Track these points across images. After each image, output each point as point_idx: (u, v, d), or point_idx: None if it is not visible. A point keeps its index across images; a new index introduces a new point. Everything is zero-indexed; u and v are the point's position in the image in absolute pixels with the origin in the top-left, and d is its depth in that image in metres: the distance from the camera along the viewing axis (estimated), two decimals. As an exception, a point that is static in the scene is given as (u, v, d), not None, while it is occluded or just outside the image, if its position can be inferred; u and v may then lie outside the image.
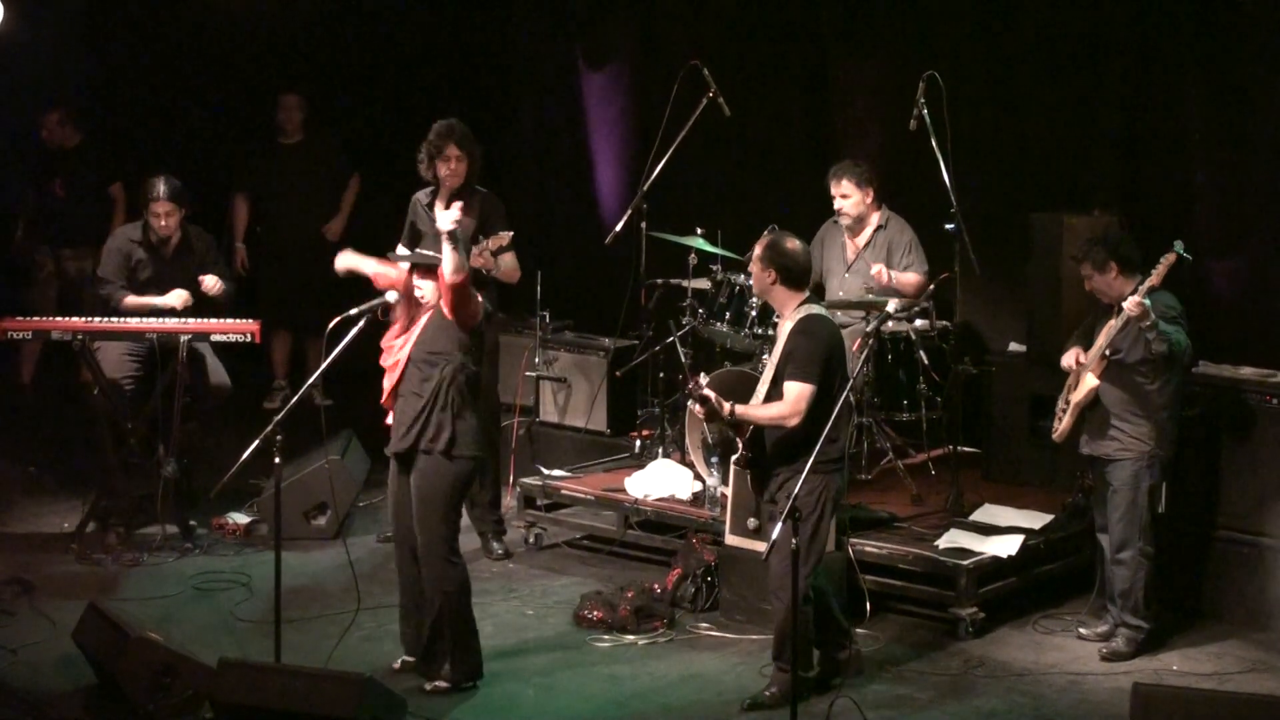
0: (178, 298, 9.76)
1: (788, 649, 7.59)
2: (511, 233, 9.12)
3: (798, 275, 7.75)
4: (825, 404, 7.53)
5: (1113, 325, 8.28)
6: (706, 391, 7.68)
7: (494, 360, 9.61)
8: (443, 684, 7.86)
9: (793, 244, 7.82)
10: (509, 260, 9.25)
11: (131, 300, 9.79)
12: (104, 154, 12.18)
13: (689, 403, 7.83)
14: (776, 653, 7.81)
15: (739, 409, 7.70)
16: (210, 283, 9.79)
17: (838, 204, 9.81)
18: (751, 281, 7.95)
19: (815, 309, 7.75)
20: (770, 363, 7.79)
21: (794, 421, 7.53)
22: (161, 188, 9.78)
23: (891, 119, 10.54)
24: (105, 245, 10.04)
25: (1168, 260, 8.09)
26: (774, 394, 7.69)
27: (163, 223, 9.79)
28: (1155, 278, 8.11)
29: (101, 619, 7.90)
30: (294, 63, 12.88)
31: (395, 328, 7.91)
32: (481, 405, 8.09)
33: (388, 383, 7.90)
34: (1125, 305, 8.09)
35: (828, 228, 10.03)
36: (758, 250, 7.81)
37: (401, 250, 9.30)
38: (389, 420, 7.95)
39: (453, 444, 7.76)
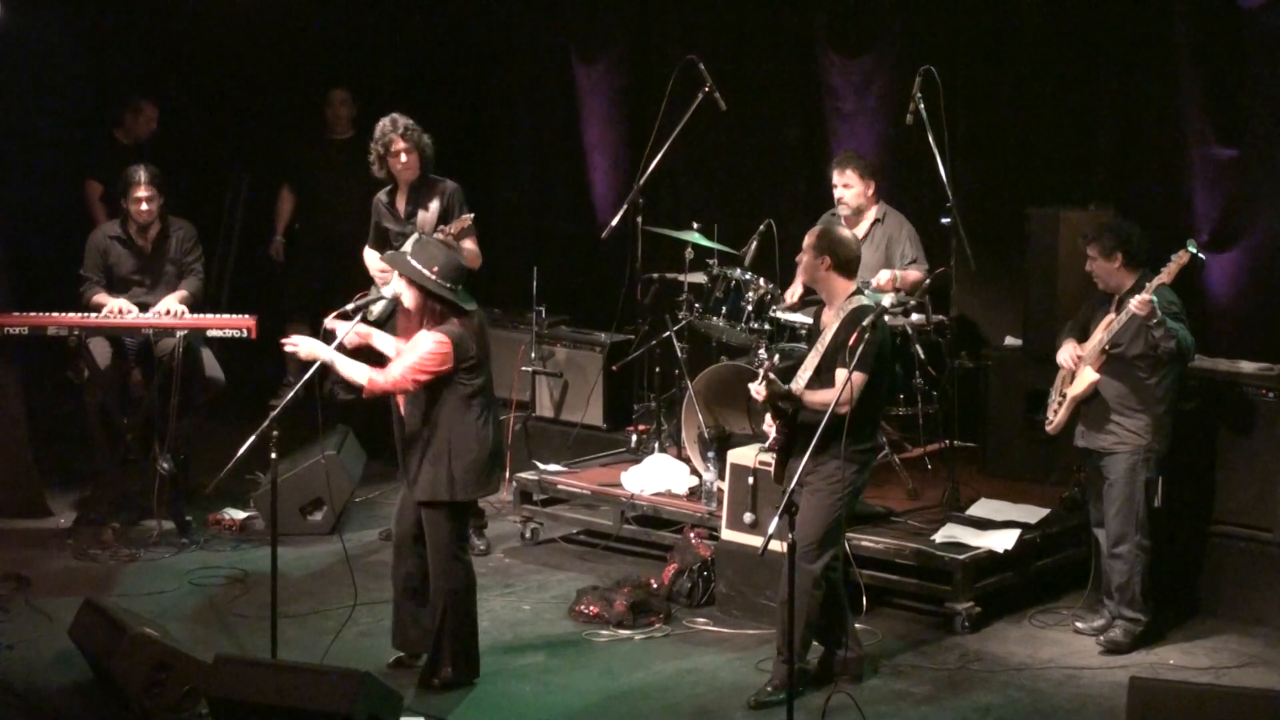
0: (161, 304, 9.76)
1: (795, 642, 7.62)
2: (472, 215, 9.13)
3: (849, 262, 7.83)
4: (870, 396, 7.61)
5: (1112, 319, 8.28)
6: (770, 375, 7.70)
7: None
8: (440, 681, 7.86)
9: (844, 232, 8.01)
10: (469, 245, 9.21)
11: (100, 298, 9.78)
12: (178, 146, 11.96)
13: (751, 384, 7.78)
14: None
15: (795, 389, 7.69)
16: (174, 306, 9.75)
17: (838, 193, 9.79)
18: (801, 270, 7.95)
19: (866, 300, 7.78)
20: (816, 350, 7.76)
21: (845, 409, 7.53)
22: (142, 174, 9.80)
23: (886, 114, 10.55)
24: (88, 241, 10.02)
25: (1180, 259, 8.09)
26: (819, 381, 7.67)
27: (144, 207, 9.78)
28: (1166, 275, 8.10)
29: (98, 615, 7.89)
30: (298, 60, 12.83)
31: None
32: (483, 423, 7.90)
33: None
34: (1132, 303, 8.08)
35: (826, 221, 10.01)
36: (810, 240, 7.84)
37: (373, 254, 9.29)
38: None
39: (451, 490, 7.71)
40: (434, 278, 7.60)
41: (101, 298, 9.78)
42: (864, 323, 7.53)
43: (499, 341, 10.87)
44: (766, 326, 9.55)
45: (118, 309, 9.70)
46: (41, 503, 10.29)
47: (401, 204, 9.36)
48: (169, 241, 9.95)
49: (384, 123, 9.25)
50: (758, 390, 7.74)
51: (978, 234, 9.42)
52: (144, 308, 9.81)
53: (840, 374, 7.60)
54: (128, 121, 11.68)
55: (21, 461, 10.30)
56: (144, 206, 9.80)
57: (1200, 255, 8.12)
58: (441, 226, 9.14)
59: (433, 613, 7.84)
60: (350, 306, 7.88)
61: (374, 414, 9.55)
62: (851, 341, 7.51)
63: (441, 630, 7.82)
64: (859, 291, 7.82)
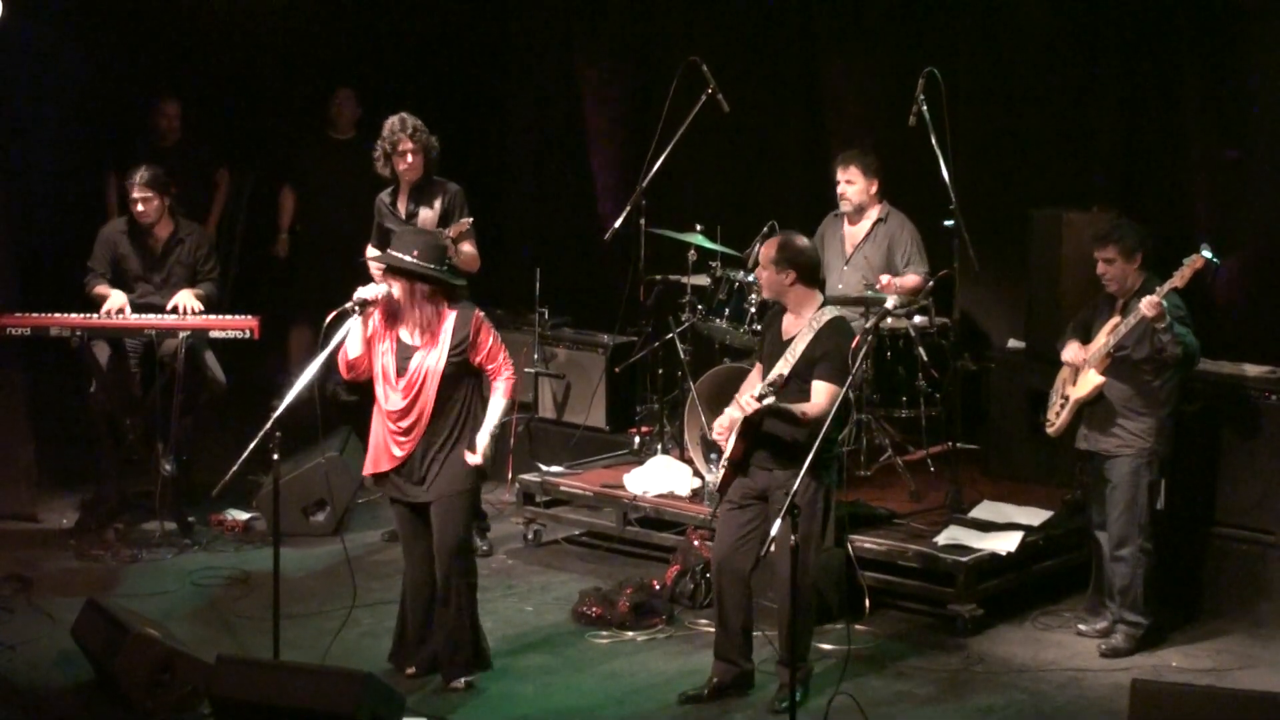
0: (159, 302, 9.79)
1: (797, 645, 7.61)
2: (471, 219, 9.15)
3: (813, 271, 7.77)
4: (840, 407, 7.56)
5: (1118, 321, 8.27)
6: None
7: None
8: (462, 683, 7.84)
9: (802, 240, 7.82)
10: (468, 249, 9.23)
11: (102, 289, 9.79)
12: (207, 142, 11.90)
13: (745, 398, 7.63)
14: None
15: (793, 407, 7.52)
16: (189, 302, 9.79)
17: (841, 189, 9.78)
18: (762, 287, 7.84)
19: (838, 311, 7.75)
20: (785, 360, 7.64)
21: (822, 422, 7.43)
22: (138, 175, 9.79)
23: (888, 115, 10.54)
24: (97, 236, 10.03)
25: (1194, 264, 8.07)
26: (788, 391, 7.56)
27: (140, 209, 9.79)
28: (1179, 279, 8.08)
29: (100, 615, 7.90)
30: (303, 59, 12.82)
31: (378, 328, 7.83)
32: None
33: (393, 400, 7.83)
34: (1142, 305, 8.06)
35: (828, 222, 10.01)
36: (771, 253, 7.71)
37: (372, 252, 9.30)
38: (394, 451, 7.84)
39: (468, 476, 7.75)
40: (414, 260, 7.69)
41: (103, 289, 9.78)
42: (866, 326, 7.51)
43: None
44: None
45: (117, 307, 9.70)
46: (31, 508, 10.24)
47: (403, 204, 9.37)
48: (181, 245, 9.95)
49: (393, 121, 9.25)
50: (748, 406, 7.54)
51: (980, 236, 9.41)
52: (151, 308, 9.82)
53: (821, 386, 7.50)
54: (157, 124, 11.65)
55: (23, 464, 10.28)
56: (139, 208, 9.81)
57: (1215, 260, 8.09)
58: (440, 229, 9.14)
59: (457, 613, 7.81)
60: (349, 304, 7.88)
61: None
62: (854, 344, 7.47)
63: (462, 625, 7.82)
64: (828, 302, 7.79)
